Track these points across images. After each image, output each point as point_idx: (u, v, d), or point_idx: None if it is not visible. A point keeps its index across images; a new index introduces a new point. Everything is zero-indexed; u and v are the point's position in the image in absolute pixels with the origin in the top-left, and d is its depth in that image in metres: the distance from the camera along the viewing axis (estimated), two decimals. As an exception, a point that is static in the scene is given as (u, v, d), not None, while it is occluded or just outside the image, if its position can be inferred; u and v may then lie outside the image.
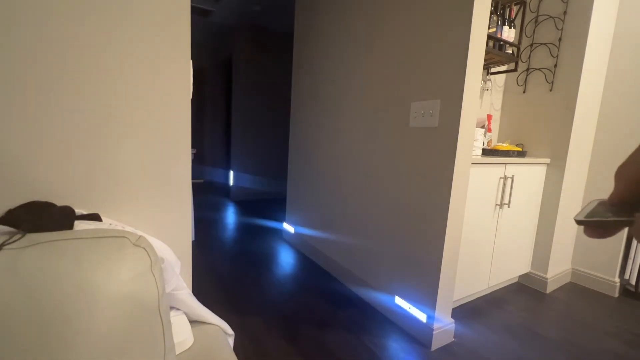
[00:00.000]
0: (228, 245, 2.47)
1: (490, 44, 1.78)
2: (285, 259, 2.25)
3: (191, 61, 0.75)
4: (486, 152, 1.79)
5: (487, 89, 2.09)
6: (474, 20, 1.17)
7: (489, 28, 1.70)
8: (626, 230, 1.89)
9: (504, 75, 2.17)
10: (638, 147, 0.19)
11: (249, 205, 3.88)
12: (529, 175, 1.84)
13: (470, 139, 1.28)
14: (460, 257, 1.55)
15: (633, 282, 1.91)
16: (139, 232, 0.57)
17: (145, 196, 0.73)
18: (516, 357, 1.32)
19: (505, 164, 1.67)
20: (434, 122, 1.31)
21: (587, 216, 0.25)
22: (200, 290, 1.71)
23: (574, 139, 1.87)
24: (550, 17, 1.91)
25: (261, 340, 1.33)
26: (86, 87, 0.64)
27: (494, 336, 1.46)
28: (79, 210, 0.58)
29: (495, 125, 2.23)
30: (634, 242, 1.89)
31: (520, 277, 2.08)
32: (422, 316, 1.37)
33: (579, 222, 0.26)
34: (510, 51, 1.92)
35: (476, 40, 1.19)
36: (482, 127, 2.00)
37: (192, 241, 0.84)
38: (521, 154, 1.92)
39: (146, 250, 0.47)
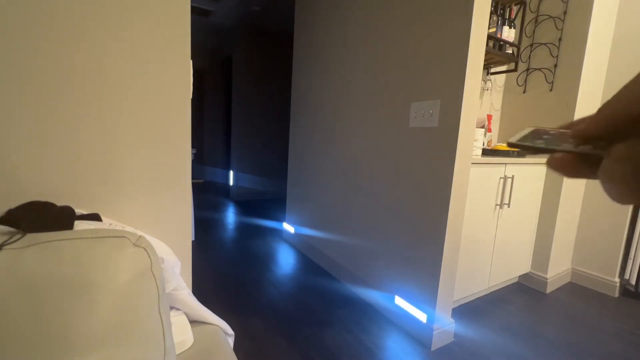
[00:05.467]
0: (228, 245, 2.47)
1: (490, 44, 1.78)
2: (285, 259, 2.25)
3: (191, 61, 0.75)
4: (486, 152, 1.79)
5: (487, 89, 2.09)
6: (474, 20, 1.17)
7: (489, 28, 1.70)
8: (626, 230, 1.89)
9: (504, 75, 2.17)
10: (625, 86, 0.16)
11: (249, 205, 3.88)
12: (529, 175, 1.84)
13: (470, 139, 1.28)
14: (460, 257, 1.55)
15: (633, 282, 1.91)
16: (139, 232, 0.57)
17: (145, 196, 0.73)
18: (516, 357, 1.32)
19: (505, 164, 1.67)
20: (434, 122, 1.31)
21: (525, 141, 0.23)
22: (200, 290, 1.71)
23: (574, 139, 1.87)
24: (550, 17, 1.91)
25: (261, 340, 1.33)
26: (86, 87, 0.64)
27: (494, 336, 1.46)
28: (79, 210, 0.58)
29: (495, 125, 2.23)
30: (634, 242, 1.89)
31: (520, 277, 2.08)
32: (422, 316, 1.37)
33: (514, 146, 0.23)
34: (510, 51, 1.92)
35: (476, 40, 1.19)
36: (482, 127, 2.00)
37: (192, 241, 0.84)
38: (521, 154, 1.92)
39: (146, 250, 0.47)
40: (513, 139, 0.24)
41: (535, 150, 0.22)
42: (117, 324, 0.41)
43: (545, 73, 1.95)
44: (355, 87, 1.79)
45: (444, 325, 1.36)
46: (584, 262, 2.08)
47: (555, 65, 1.91)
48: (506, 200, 1.71)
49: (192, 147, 0.80)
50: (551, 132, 0.23)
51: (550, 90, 1.94)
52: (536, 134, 0.23)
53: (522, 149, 0.23)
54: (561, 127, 0.23)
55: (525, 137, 0.23)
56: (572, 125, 0.22)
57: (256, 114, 4.03)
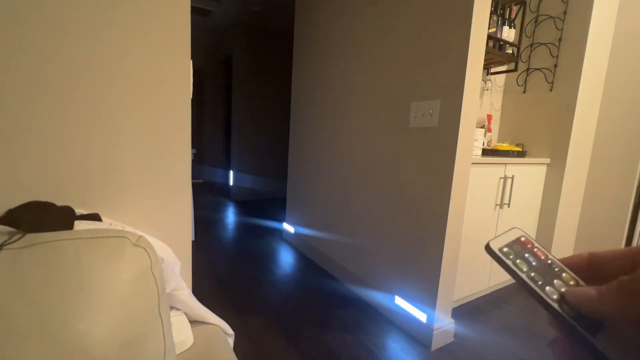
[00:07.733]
0: (228, 245, 2.47)
1: (490, 44, 1.78)
2: (285, 259, 2.25)
3: (191, 61, 0.75)
4: (486, 152, 1.79)
5: (487, 89, 2.08)
6: (474, 20, 1.17)
7: (489, 28, 1.70)
8: (626, 230, 1.89)
9: (504, 75, 2.17)
10: None
11: (249, 205, 3.88)
12: (529, 175, 1.84)
13: (470, 139, 1.28)
14: (460, 257, 1.55)
15: (633, 282, 1.91)
16: (139, 232, 0.57)
17: (145, 196, 0.73)
18: (516, 357, 1.32)
19: (505, 164, 1.67)
20: (434, 122, 1.30)
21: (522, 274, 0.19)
22: (200, 290, 1.71)
23: (574, 139, 1.87)
24: (550, 17, 1.91)
25: (261, 340, 1.33)
26: (86, 87, 0.64)
27: (494, 336, 1.46)
28: (78, 210, 0.58)
29: (495, 125, 2.23)
30: (634, 242, 1.89)
31: (520, 277, 2.08)
32: (422, 316, 1.37)
33: (493, 255, 0.19)
34: (510, 51, 1.92)
35: (476, 40, 1.19)
36: (482, 127, 2.00)
37: (192, 241, 0.84)
38: (521, 154, 1.92)
39: (146, 250, 0.47)
40: (495, 244, 0.20)
41: (512, 274, 0.19)
42: (117, 324, 0.41)
43: (545, 73, 1.95)
44: (356, 87, 1.79)
45: (444, 325, 1.36)
46: (584, 262, 2.08)
47: (555, 65, 1.91)
48: (506, 200, 1.71)
49: (192, 147, 0.80)
50: (537, 251, 0.20)
51: (550, 90, 1.94)
52: (522, 246, 0.20)
53: (501, 264, 0.19)
54: (551, 255, 0.20)
55: (509, 249, 0.20)
56: (568, 261, 0.19)
57: (256, 114, 4.03)
